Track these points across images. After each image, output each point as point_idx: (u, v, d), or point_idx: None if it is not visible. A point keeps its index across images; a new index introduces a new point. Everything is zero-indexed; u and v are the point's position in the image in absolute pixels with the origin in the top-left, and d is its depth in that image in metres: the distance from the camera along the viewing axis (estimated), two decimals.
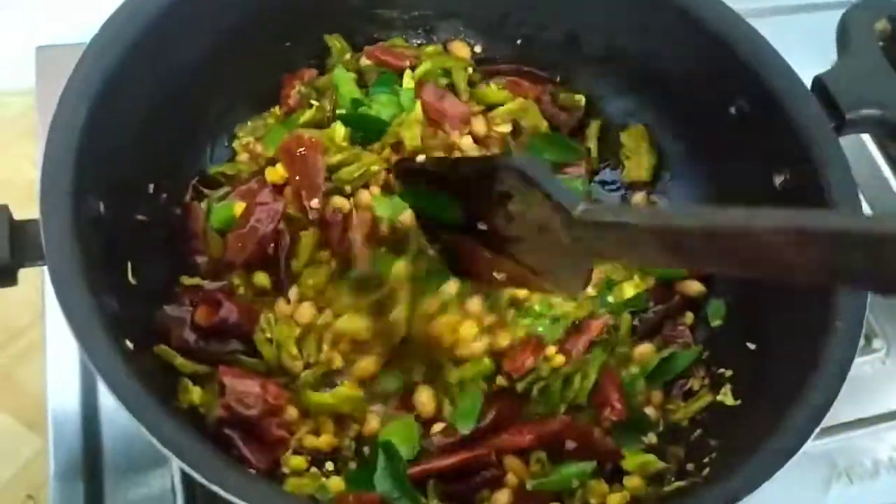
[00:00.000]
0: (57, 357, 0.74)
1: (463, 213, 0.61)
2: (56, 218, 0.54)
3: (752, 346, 0.66)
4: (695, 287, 0.72)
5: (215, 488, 0.47)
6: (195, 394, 0.60)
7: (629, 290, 0.72)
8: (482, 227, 0.60)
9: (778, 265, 0.41)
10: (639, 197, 0.78)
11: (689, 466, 0.61)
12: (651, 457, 0.62)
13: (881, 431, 0.78)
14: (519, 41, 0.82)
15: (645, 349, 0.69)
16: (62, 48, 0.89)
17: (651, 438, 0.65)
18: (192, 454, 0.49)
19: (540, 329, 0.68)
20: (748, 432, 0.59)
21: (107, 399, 0.72)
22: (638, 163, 0.78)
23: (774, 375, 0.62)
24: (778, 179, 0.68)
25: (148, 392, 0.50)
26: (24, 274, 0.56)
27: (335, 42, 0.79)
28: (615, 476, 0.62)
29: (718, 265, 0.48)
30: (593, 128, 0.80)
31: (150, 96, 0.66)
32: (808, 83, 0.69)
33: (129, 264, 0.62)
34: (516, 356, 0.66)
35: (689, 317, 0.71)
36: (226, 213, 0.69)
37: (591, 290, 0.71)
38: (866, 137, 0.94)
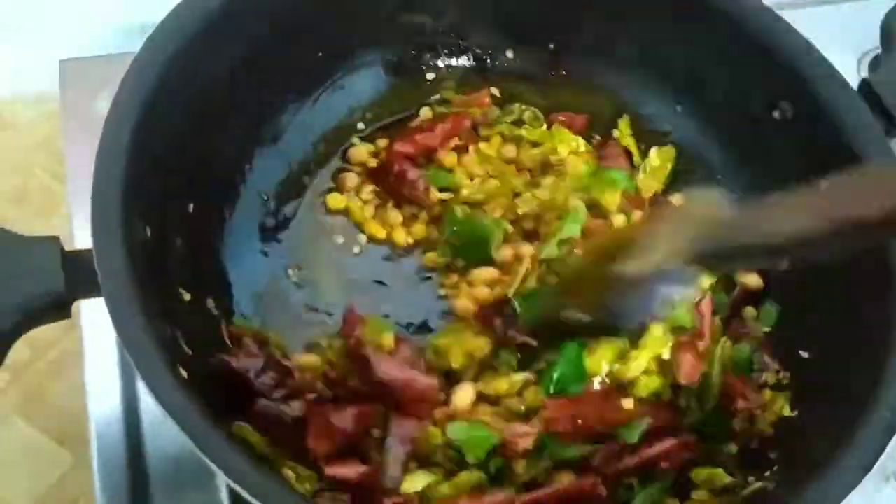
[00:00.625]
0: (95, 371, 0.72)
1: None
2: (109, 247, 0.53)
3: (805, 355, 0.66)
4: (753, 280, 0.71)
5: None
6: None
7: (705, 280, 0.70)
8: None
9: None
10: None
11: (751, 479, 0.60)
12: (719, 470, 0.61)
13: None
14: (552, 45, 0.81)
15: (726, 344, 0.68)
16: (85, 60, 0.88)
17: (731, 449, 0.64)
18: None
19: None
20: (811, 445, 0.58)
21: (150, 413, 0.71)
22: (655, 176, 0.77)
23: (832, 385, 0.62)
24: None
25: (213, 425, 0.50)
26: None
27: None
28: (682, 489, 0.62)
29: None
30: (623, 125, 0.79)
31: (189, 115, 0.65)
32: (846, 76, 0.68)
33: (180, 289, 0.61)
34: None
35: (752, 311, 0.70)
36: None
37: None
38: None
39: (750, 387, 0.65)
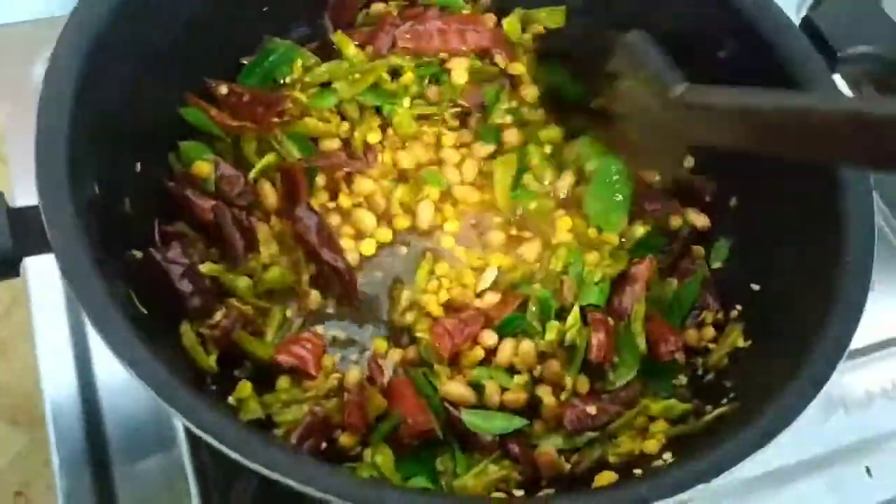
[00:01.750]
0: (47, 346, 0.71)
1: (583, 90, 0.68)
2: (57, 202, 0.52)
3: (756, 287, 0.67)
4: (700, 220, 0.73)
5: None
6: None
7: (639, 230, 0.73)
8: (595, 104, 0.66)
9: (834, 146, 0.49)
10: None
11: (709, 408, 0.62)
12: (673, 401, 0.63)
13: (873, 361, 0.80)
14: None
15: (671, 286, 0.70)
16: (17, 26, 0.85)
17: (681, 380, 0.66)
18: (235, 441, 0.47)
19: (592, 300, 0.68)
20: (764, 373, 0.60)
21: (106, 384, 0.70)
22: None
23: (783, 315, 0.63)
24: None
25: (175, 376, 0.49)
26: None
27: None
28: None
29: (786, 145, 0.53)
30: None
31: (137, 64, 0.63)
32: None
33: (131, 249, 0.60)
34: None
35: (700, 251, 0.72)
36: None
37: (614, 239, 0.72)
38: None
39: (674, 331, 0.67)
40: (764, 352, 0.63)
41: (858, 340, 0.80)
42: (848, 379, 0.79)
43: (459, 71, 0.75)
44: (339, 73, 0.73)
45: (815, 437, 0.75)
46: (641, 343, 0.66)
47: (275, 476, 0.46)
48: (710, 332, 0.69)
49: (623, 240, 0.73)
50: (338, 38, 0.75)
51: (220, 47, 0.72)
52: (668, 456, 0.59)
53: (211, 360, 0.60)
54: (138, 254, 0.60)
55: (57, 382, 0.70)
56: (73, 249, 0.50)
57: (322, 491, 0.45)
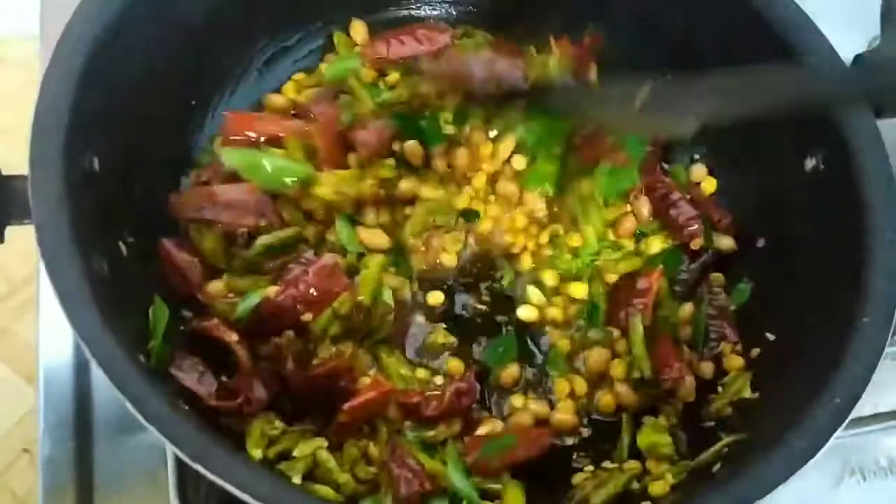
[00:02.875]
0: (51, 311, 0.71)
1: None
2: (46, 173, 0.51)
3: (771, 337, 0.64)
4: (725, 242, 0.70)
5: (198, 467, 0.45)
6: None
7: (656, 244, 0.70)
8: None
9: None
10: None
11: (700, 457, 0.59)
12: (667, 439, 0.60)
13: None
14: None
15: (686, 310, 0.67)
16: None
17: (672, 418, 0.63)
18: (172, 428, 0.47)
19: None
20: (765, 428, 0.56)
21: None
22: None
23: (795, 369, 0.59)
24: (809, 164, 0.65)
25: (132, 360, 0.48)
26: (22, 228, 0.53)
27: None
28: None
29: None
30: None
31: (152, 50, 0.63)
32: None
33: (123, 228, 0.59)
34: None
35: (719, 278, 0.69)
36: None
37: (627, 243, 0.71)
38: None
39: (678, 357, 0.63)
40: (767, 406, 0.59)
41: (882, 404, 0.77)
42: (867, 444, 0.74)
43: None
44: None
45: None
46: (645, 368, 0.62)
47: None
48: (735, 361, 0.65)
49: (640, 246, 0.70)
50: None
51: (235, 39, 0.71)
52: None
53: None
54: (130, 240, 0.59)
55: (55, 347, 0.70)
56: (52, 222, 0.50)
57: None
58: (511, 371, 0.65)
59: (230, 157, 0.63)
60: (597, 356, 0.64)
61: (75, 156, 0.54)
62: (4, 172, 0.56)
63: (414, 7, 0.79)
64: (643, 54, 0.74)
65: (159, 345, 0.56)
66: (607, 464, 0.61)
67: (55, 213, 0.50)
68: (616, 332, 0.65)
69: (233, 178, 0.64)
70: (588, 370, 0.65)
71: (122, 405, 0.67)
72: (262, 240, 0.63)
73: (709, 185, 0.74)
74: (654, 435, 0.60)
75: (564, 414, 0.63)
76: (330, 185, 0.65)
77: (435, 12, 0.79)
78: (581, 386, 0.64)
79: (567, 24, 0.75)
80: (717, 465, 0.57)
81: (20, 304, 1.07)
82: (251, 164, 0.63)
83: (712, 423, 0.62)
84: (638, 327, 0.63)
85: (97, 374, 0.68)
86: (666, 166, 0.75)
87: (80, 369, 0.70)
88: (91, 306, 0.49)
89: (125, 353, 0.49)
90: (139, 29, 0.61)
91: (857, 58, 0.66)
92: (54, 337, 0.71)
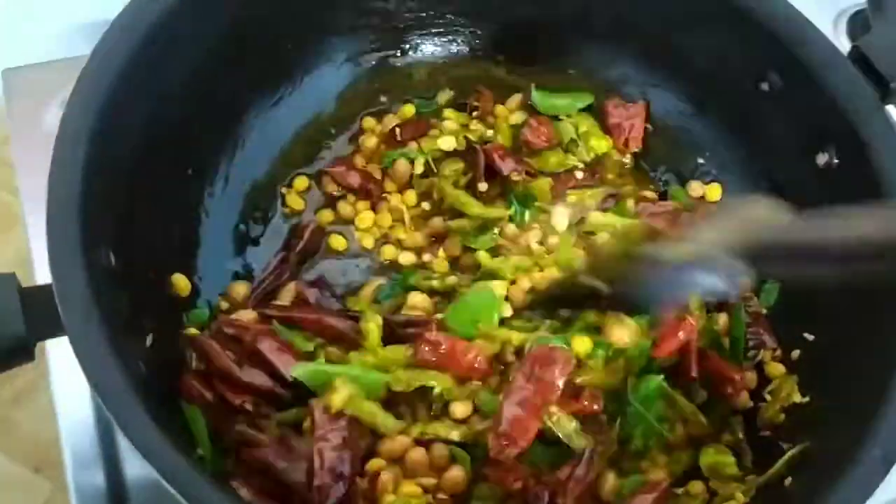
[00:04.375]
0: (65, 397, 0.68)
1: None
2: (70, 280, 0.49)
3: (809, 337, 0.64)
4: None
5: None
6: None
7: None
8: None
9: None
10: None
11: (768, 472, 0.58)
12: (730, 458, 0.59)
13: None
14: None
15: (722, 320, 0.66)
16: (32, 68, 0.83)
17: (737, 433, 0.62)
18: None
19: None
20: (829, 434, 0.56)
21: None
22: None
23: (844, 368, 0.59)
24: (821, 159, 0.65)
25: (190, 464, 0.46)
26: None
27: None
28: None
29: None
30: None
31: (149, 125, 0.60)
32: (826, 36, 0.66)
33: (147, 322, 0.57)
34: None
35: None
36: None
37: None
38: None
39: (735, 368, 0.63)
40: (824, 411, 0.59)
41: None
42: None
43: None
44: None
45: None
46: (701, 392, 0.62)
47: None
48: (776, 368, 0.64)
49: None
50: None
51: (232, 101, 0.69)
52: None
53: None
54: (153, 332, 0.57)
55: (76, 430, 0.67)
56: (87, 333, 0.47)
57: None
58: None
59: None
60: None
61: (93, 254, 0.51)
62: None
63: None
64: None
65: (208, 449, 0.54)
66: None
67: (88, 322, 0.48)
68: None
69: None
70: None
71: (156, 488, 0.66)
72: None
73: (712, 193, 0.73)
74: (717, 455, 0.60)
75: None
76: None
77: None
78: None
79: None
80: (789, 479, 0.56)
81: (15, 394, 1.03)
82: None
83: (768, 433, 0.62)
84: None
85: (127, 455, 0.67)
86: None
87: (108, 453, 0.66)
88: (142, 413, 0.46)
89: (185, 460, 0.46)
90: (135, 103, 0.58)
91: (854, 49, 0.67)
92: (73, 422, 0.67)
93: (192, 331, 0.61)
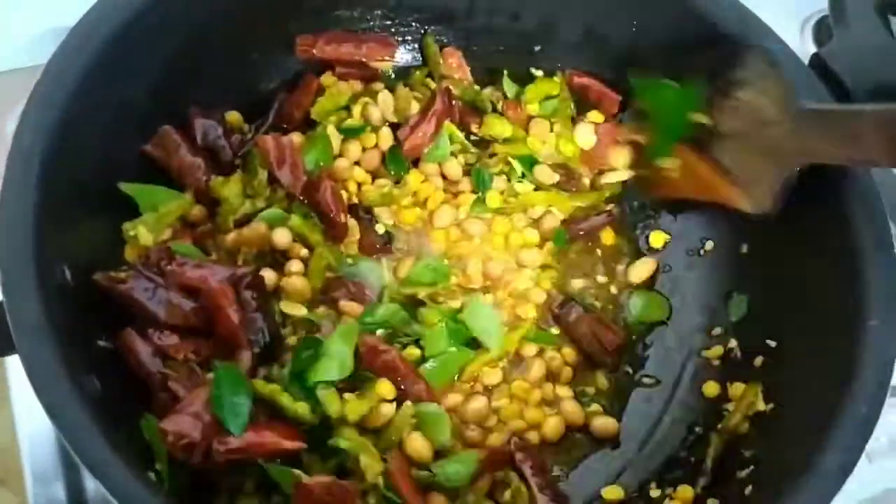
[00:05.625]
0: (26, 409, 0.68)
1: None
2: (22, 298, 0.48)
3: (772, 344, 0.64)
4: None
5: None
6: None
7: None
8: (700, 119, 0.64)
9: None
10: None
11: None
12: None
13: None
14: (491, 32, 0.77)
15: None
16: None
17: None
18: None
19: None
20: (787, 444, 0.56)
21: None
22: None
23: (803, 377, 0.59)
24: None
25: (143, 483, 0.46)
26: None
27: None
28: None
29: None
30: None
31: (104, 135, 0.60)
32: (789, 41, 0.66)
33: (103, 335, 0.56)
34: None
35: None
36: None
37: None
38: None
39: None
40: (786, 420, 0.59)
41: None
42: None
43: None
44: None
45: None
46: None
47: None
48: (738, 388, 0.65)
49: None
50: None
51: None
52: None
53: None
54: (105, 343, 0.57)
55: (36, 441, 0.67)
56: (39, 352, 0.47)
57: None
58: None
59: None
60: None
61: (47, 271, 0.51)
62: None
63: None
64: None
65: (166, 466, 0.53)
66: None
67: (37, 341, 0.47)
68: None
69: None
70: None
71: None
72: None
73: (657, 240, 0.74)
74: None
75: None
76: None
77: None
78: None
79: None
80: (749, 488, 0.56)
81: None
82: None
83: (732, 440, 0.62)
84: None
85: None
86: None
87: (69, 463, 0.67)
88: (97, 436, 0.46)
89: (137, 480, 0.46)
90: (91, 116, 0.57)
91: (815, 56, 0.67)
92: (33, 431, 0.67)
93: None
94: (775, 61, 0.61)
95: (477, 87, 0.76)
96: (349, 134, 0.72)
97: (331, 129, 0.71)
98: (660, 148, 0.69)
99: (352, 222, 0.69)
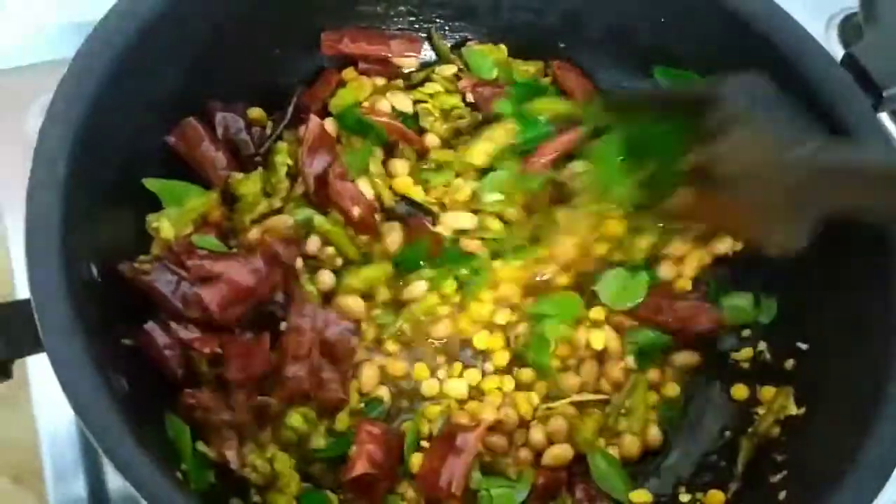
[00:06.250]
0: (46, 406, 0.68)
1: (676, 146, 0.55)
2: (50, 295, 0.47)
3: (803, 347, 0.63)
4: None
5: None
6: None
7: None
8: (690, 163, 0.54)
9: None
10: None
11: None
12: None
13: None
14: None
15: None
16: (11, 71, 0.81)
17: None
18: None
19: None
20: (821, 448, 0.56)
21: None
22: None
23: (836, 380, 0.59)
24: None
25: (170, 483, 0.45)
26: None
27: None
28: None
29: None
30: None
31: (130, 130, 0.59)
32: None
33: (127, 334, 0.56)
34: None
35: None
36: None
37: None
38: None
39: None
40: (819, 424, 0.58)
41: None
42: None
43: None
44: None
45: None
46: None
47: None
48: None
49: None
50: None
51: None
52: None
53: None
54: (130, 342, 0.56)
55: (57, 439, 0.67)
56: (67, 351, 0.46)
57: None
58: None
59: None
60: None
61: (74, 267, 0.50)
62: None
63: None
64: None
65: (192, 466, 0.53)
66: None
67: (65, 340, 0.46)
68: None
69: None
70: None
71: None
72: None
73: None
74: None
75: None
76: None
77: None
78: None
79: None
80: (783, 493, 0.56)
81: None
82: None
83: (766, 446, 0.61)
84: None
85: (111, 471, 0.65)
86: None
87: (90, 461, 0.67)
88: (126, 435, 0.45)
89: (166, 479, 0.45)
90: (118, 115, 0.57)
91: (847, 56, 0.66)
92: (53, 429, 0.67)
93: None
94: (759, 99, 0.52)
95: None
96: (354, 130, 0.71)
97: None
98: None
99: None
